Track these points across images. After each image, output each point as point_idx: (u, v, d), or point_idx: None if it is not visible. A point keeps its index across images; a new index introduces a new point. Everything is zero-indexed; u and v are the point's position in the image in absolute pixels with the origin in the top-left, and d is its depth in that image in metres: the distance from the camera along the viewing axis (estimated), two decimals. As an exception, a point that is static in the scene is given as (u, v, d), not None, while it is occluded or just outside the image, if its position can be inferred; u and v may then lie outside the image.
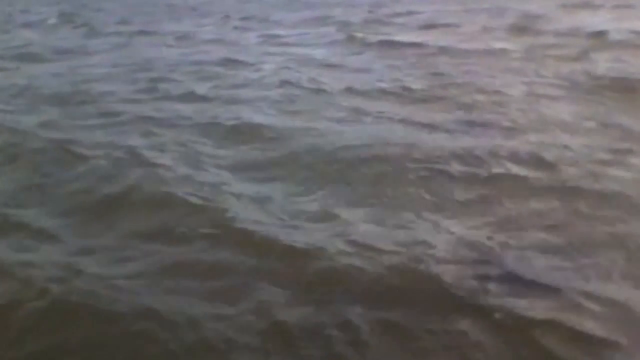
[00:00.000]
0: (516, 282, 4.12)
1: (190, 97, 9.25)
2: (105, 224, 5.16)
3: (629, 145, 6.36)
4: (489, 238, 4.70)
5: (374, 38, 12.92)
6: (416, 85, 9.10)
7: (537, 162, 6.02)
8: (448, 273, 4.23)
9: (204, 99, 9.15)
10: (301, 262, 4.36)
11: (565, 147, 6.39)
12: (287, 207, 5.32)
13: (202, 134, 7.41)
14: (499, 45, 11.47)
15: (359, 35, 13.30)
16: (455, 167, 5.98)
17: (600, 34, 11.61)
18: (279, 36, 14.37)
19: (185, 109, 8.59)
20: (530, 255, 4.47)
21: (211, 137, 7.30)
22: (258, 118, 7.90)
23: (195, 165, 6.38)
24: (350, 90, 9.06)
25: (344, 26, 14.81)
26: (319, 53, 12.05)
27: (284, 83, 9.73)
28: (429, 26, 14.23)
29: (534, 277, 4.18)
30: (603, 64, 9.52)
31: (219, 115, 8.10)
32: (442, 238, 4.72)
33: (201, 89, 9.72)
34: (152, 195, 5.57)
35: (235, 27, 16.13)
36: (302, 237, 4.71)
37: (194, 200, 5.40)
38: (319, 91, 9.15)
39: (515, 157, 6.14)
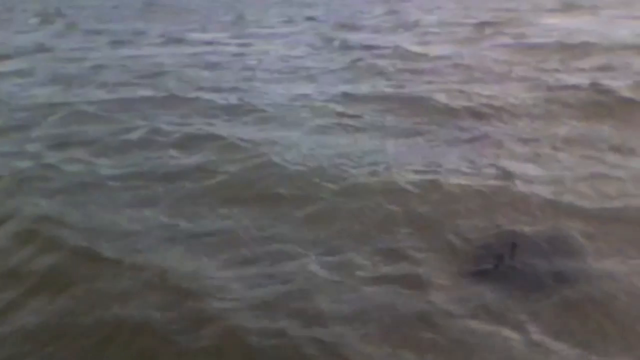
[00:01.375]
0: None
1: (148, 101, 8.84)
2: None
3: (612, 158, 5.98)
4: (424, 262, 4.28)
5: (351, 40, 12.62)
6: (388, 90, 8.75)
7: (516, 176, 5.58)
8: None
9: (164, 102, 8.72)
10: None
11: (546, 159, 6.00)
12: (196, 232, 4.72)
13: (153, 142, 6.91)
14: (477, 49, 11.18)
15: (336, 37, 13.04)
16: (418, 180, 5.51)
17: (578, 38, 11.31)
18: (256, 36, 14.15)
19: (141, 113, 8.20)
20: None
21: (163, 145, 6.79)
22: (214, 127, 7.39)
23: (136, 177, 5.88)
24: (319, 97, 8.63)
25: (324, 27, 14.54)
26: (292, 55, 11.72)
27: (249, 87, 9.36)
28: (410, 27, 13.96)
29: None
30: (581, 70, 9.22)
31: (176, 122, 7.67)
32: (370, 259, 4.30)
33: (163, 92, 9.33)
34: (72, 214, 5.05)
35: (214, 28, 15.88)
36: (222, 273, 4.16)
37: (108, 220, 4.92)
38: (286, 97, 8.70)
39: (492, 169, 5.76)
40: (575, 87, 8.22)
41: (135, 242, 4.49)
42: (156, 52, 12.78)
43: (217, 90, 9.32)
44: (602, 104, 7.56)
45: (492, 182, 5.43)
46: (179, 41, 14.19)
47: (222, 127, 7.36)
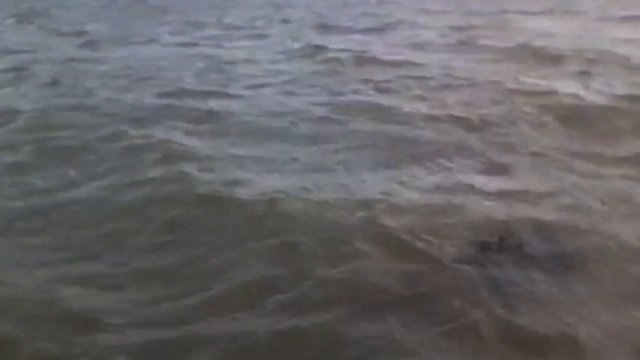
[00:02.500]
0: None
1: (111, 106, 8.52)
2: None
3: (585, 168, 5.83)
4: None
5: (323, 44, 12.27)
6: (358, 98, 8.47)
7: (482, 187, 5.41)
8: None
9: (127, 108, 8.42)
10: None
11: (519, 169, 5.83)
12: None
13: (106, 153, 6.62)
14: (453, 55, 10.87)
15: (310, 41, 12.72)
16: (382, 191, 5.34)
17: (557, 44, 11.06)
18: (224, 38, 13.92)
19: (103, 119, 7.89)
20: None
21: (114, 156, 6.51)
22: (175, 137, 7.01)
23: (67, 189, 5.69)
24: (285, 105, 8.23)
25: (301, 31, 14.29)
26: (267, 59, 11.34)
27: (217, 93, 9.03)
28: (390, 31, 13.71)
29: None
30: (555, 77, 8.98)
31: (128, 131, 7.31)
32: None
33: (127, 95, 9.02)
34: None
35: (187, 31, 15.45)
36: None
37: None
38: (254, 104, 8.32)
39: (459, 178, 5.59)
40: (549, 95, 8.02)
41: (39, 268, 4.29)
42: (127, 54, 12.47)
43: (184, 95, 9.00)
44: (577, 113, 7.38)
45: (457, 194, 5.24)
46: (154, 42, 13.86)
47: (182, 136, 7.04)
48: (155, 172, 5.90)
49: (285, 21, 16.09)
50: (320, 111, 7.88)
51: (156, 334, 3.59)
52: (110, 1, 22.91)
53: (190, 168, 5.95)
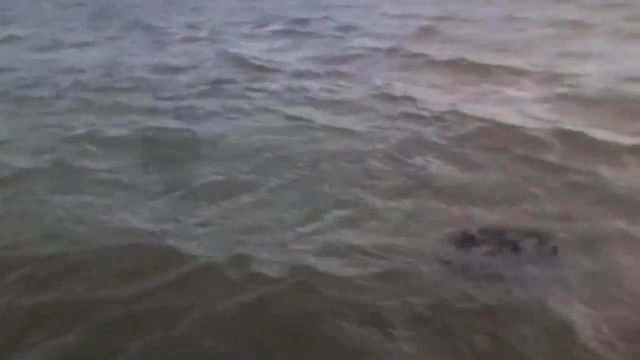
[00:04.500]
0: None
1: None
2: None
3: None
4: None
5: (254, 52, 12.13)
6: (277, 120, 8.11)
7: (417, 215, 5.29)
8: None
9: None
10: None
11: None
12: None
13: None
14: (392, 70, 10.55)
15: (243, 50, 12.48)
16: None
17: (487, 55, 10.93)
18: (161, 44, 13.80)
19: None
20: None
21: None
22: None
23: None
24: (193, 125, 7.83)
25: (236, 38, 14.15)
26: (185, 73, 10.82)
27: (134, 111, 8.66)
28: (321, 37, 13.62)
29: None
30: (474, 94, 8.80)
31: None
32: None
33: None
34: None
35: (125, 35, 15.23)
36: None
37: None
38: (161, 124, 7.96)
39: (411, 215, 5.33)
40: (476, 111, 7.84)
41: None
42: (56, 58, 12.36)
43: (108, 109, 8.75)
44: (510, 128, 7.22)
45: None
46: (92, 46, 13.69)
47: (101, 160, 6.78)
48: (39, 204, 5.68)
49: (237, 24, 15.95)
50: (248, 125, 7.80)
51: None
52: (55, 4, 22.49)
53: (92, 199, 5.72)
